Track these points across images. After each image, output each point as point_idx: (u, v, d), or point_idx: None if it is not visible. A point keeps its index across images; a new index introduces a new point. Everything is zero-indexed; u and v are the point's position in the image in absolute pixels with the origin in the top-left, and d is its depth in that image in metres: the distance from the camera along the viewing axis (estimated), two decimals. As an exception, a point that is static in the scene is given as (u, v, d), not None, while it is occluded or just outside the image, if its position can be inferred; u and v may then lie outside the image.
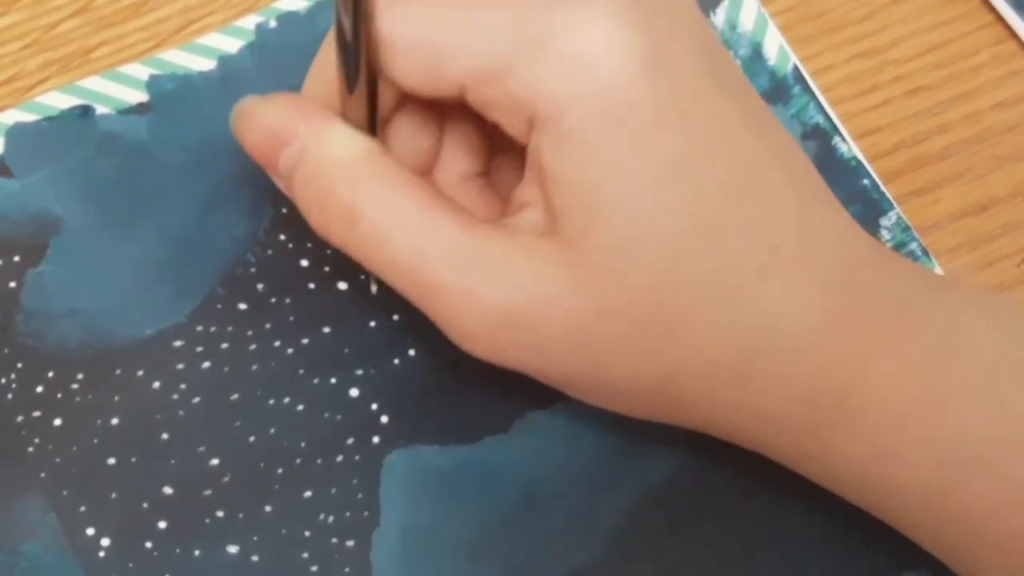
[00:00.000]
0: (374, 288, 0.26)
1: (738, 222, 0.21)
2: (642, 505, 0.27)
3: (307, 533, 0.26)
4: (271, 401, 0.27)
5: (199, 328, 0.27)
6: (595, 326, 0.21)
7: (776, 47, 0.31)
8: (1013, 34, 0.32)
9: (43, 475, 0.26)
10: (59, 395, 0.27)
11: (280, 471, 0.27)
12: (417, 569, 0.26)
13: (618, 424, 0.27)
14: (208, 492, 0.26)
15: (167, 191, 0.28)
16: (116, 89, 0.29)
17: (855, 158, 0.30)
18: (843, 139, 0.30)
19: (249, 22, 0.30)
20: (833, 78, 0.31)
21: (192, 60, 0.30)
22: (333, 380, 0.27)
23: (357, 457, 0.27)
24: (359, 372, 0.27)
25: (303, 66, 0.28)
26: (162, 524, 0.26)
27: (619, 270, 0.21)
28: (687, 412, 0.23)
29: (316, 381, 0.27)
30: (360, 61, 0.23)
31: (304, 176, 0.23)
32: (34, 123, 0.29)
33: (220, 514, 0.26)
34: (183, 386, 0.27)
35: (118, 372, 0.27)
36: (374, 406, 0.27)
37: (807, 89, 0.31)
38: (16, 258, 0.28)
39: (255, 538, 0.26)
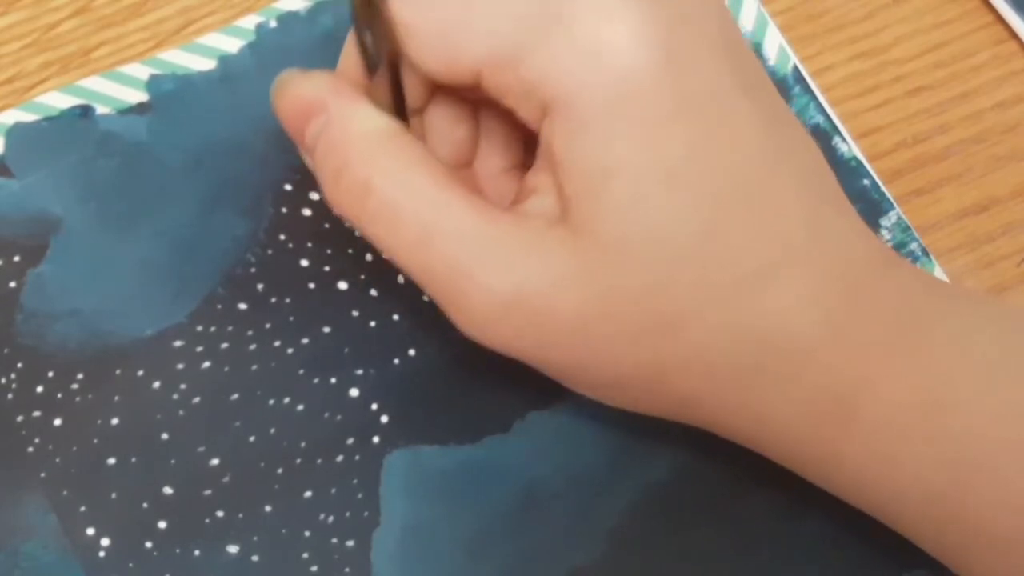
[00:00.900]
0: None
1: (746, 223, 0.21)
2: (642, 505, 0.27)
3: (307, 533, 0.26)
4: (271, 401, 0.27)
5: (199, 328, 0.27)
6: (598, 318, 0.21)
7: (776, 47, 0.31)
8: (1013, 34, 0.32)
9: (43, 475, 0.26)
10: (59, 395, 0.27)
11: (280, 471, 0.27)
12: (417, 569, 0.26)
13: (618, 424, 0.27)
14: (208, 492, 0.26)
15: (167, 191, 0.28)
16: (116, 89, 0.29)
17: (855, 158, 0.30)
18: (843, 139, 0.30)
19: (249, 22, 0.30)
20: (833, 78, 0.31)
21: (192, 60, 0.30)
22: (333, 380, 0.27)
23: (357, 457, 0.27)
24: (359, 372, 0.27)
25: (303, 66, 0.28)
26: (162, 524, 0.26)
27: (624, 264, 0.21)
28: (688, 409, 0.23)
29: (316, 381, 0.27)
30: (377, 45, 0.23)
31: (324, 147, 0.23)
32: (34, 123, 0.29)
33: (220, 514, 0.26)
34: (183, 386, 0.27)
35: (118, 372, 0.27)
36: (374, 406, 0.27)
37: (807, 89, 0.31)
38: (16, 258, 0.28)
39: (255, 538, 0.26)
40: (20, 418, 0.26)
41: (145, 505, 0.26)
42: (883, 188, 0.30)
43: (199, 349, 0.27)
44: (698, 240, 0.21)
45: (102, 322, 0.27)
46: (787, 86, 0.30)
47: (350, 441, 0.27)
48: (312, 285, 0.28)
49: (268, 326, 0.28)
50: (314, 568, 0.26)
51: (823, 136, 0.30)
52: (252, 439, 0.27)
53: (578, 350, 0.22)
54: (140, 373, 0.27)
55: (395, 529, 0.26)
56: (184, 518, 0.26)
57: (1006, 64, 0.32)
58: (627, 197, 0.21)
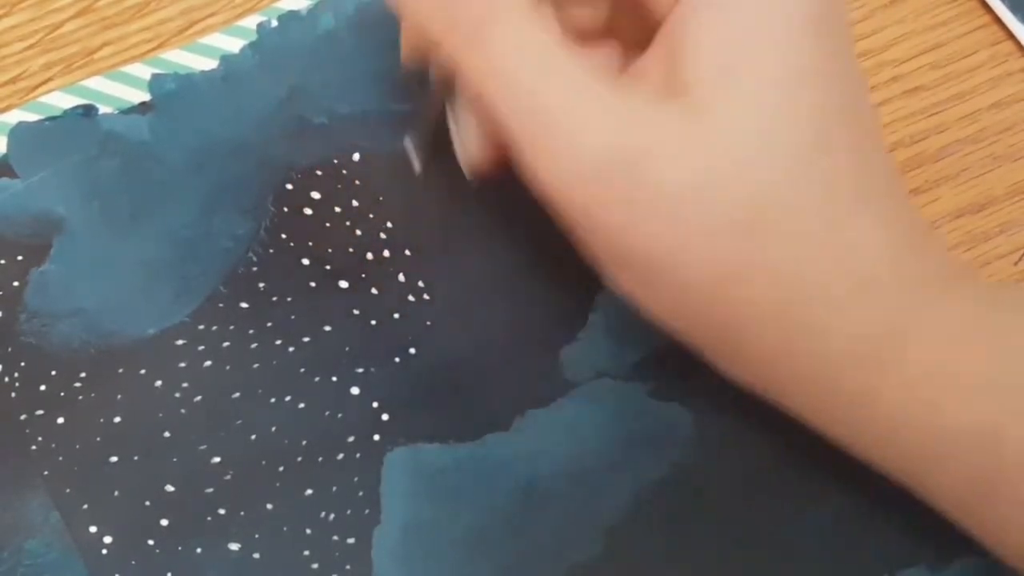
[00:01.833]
0: (417, 167, 0.26)
1: (848, 145, 0.22)
2: (641, 504, 0.27)
3: (308, 531, 0.26)
4: (272, 399, 0.27)
5: (201, 327, 0.28)
6: (693, 197, 0.21)
7: (774, 47, 0.31)
8: (1010, 35, 0.32)
9: (46, 473, 0.26)
10: (62, 393, 0.27)
11: (281, 469, 0.27)
12: (417, 566, 0.26)
13: (618, 422, 0.27)
14: (210, 490, 0.26)
15: (169, 190, 0.28)
16: (118, 89, 0.29)
17: (853, 158, 0.30)
18: (841, 139, 0.30)
19: (251, 22, 0.30)
20: (831, 78, 0.31)
21: (194, 60, 0.30)
22: (334, 378, 0.27)
23: (358, 455, 0.27)
24: (360, 370, 0.28)
25: (304, 66, 0.29)
26: (164, 522, 0.26)
27: (736, 152, 0.21)
28: (733, 335, 0.23)
29: (317, 379, 0.27)
30: None
31: None
32: (37, 123, 0.29)
33: (222, 512, 0.26)
34: (185, 384, 0.27)
35: (120, 371, 0.27)
36: (375, 404, 0.27)
37: (805, 89, 0.31)
38: (19, 257, 0.28)
39: (256, 535, 0.26)
40: (23, 416, 0.27)
41: (147, 503, 0.26)
42: (881, 187, 0.30)
43: (201, 348, 0.27)
44: (807, 152, 0.21)
45: (105, 321, 0.27)
46: (785, 86, 0.31)
47: (351, 439, 0.27)
48: (313, 284, 0.28)
49: (269, 325, 0.28)
50: (315, 565, 0.26)
51: (821, 136, 0.30)
52: (253, 437, 0.27)
53: (657, 226, 0.21)
54: (142, 372, 0.27)
55: (396, 527, 0.26)
56: (186, 516, 0.26)
57: (1002, 64, 0.32)
58: (755, 89, 0.21)
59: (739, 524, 0.27)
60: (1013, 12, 0.32)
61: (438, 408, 0.27)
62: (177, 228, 0.28)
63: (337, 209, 0.29)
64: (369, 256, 0.28)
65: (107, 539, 0.26)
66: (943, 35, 0.32)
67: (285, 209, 0.29)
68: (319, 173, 0.29)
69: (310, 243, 0.28)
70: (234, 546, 0.26)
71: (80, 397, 0.27)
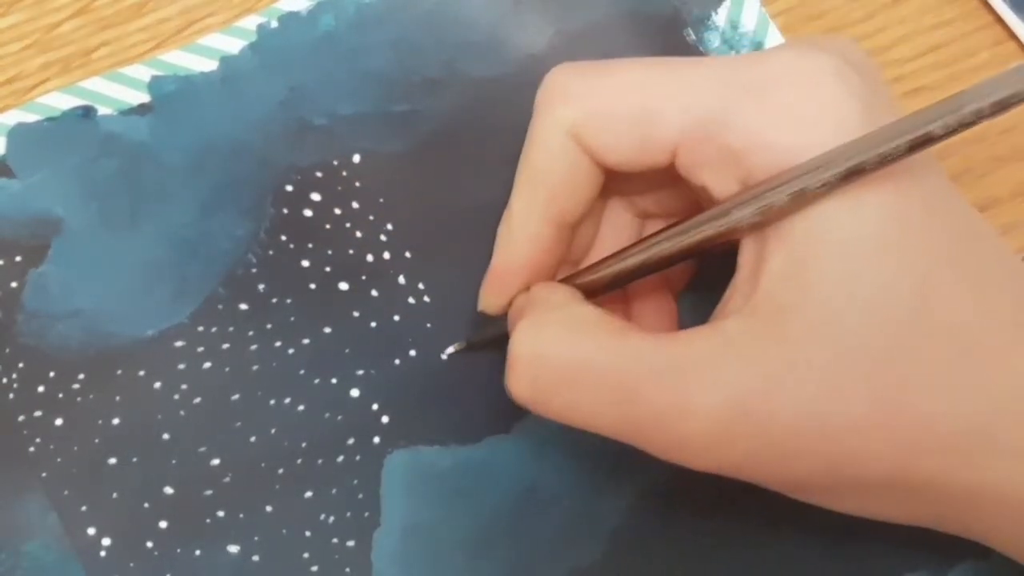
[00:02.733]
0: (447, 352, 0.27)
1: (964, 285, 0.21)
2: (642, 505, 0.27)
3: (308, 533, 0.26)
4: (272, 401, 0.27)
5: (200, 328, 0.27)
6: (826, 404, 0.20)
7: (776, 48, 0.31)
8: (1012, 35, 0.32)
9: (44, 475, 0.26)
10: (60, 395, 0.27)
11: (281, 471, 0.27)
12: (418, 569, 0.26)
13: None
14: (209, 492, 0.26)
15: (168, 192, 0.28)
16: (118, 90, 0.29)
17: (855, 159, 0.30)
18: (843, 140, 0.30)
19: (250, 23, 0.30)
20: (833, 79, 0.31)
21: (193, 61, 0.30)
22: (334, 380, 0.27)
23: (358, 457, 0.27)
24: (360, 372, 0.27)
25: (304, 66, 0.29)
26: (163, 524, 0.26)
27: (844, 344, 0.20)
28: (915, 499, 0.21)
29: (317, 381, 0.27)
30: None
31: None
32: (36, 124, 0.29)
33: (221, 514, 0.26)
34: (184, 386, 0.27)
35: (119, 372, 0.27)
36: (375, 406, 0.27)
37: (807, 90, 0.31)
38: (18, 258, 0.28)
39: (256, 538, 0.26)
40: (21, 418, 0.27)
41: (146, 505, 0.26)
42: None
43: (200, 349, 0.27)
44: (918, 303, 0.20)
45: (103, 322, 0.27)
46: (787, 87, 0.31)
47: (351, 441, 0.27)
48: (313, 285, 0.28)
49: (269, 326, 0.28)
50: (315, 568, 0.26)
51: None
52: (253, 439, 0.27)
53: (811, 447, 0.21)
54: (141, 373, 0.27)
55: (396, 529, 0.26)
56: (185, 518, 0.26)
57: (1005, 65, 0.32)
58: (837, 268, 0.20)
59: (741, 528, 0.27)
60: (1016, 12, 0.32)
61: (438, 410, 0.27)
62: (176, 229, 0.28)
63: (337, 211, 0.29)
64: (369, 258, 0.28)
65: (106, 541, 0.26)
66: (945, 35, 0.32)
67: (285, 210, 0.28)
68: (319, 174, 0.29)
69: (310, 244, 0.28)
70: (233, 548, 0.26)
71: (79, 398, 0.27)
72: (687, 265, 0.27)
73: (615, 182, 0.25)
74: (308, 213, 0.29)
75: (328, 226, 0.28)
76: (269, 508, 0.26)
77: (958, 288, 0.21)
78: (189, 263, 0.28)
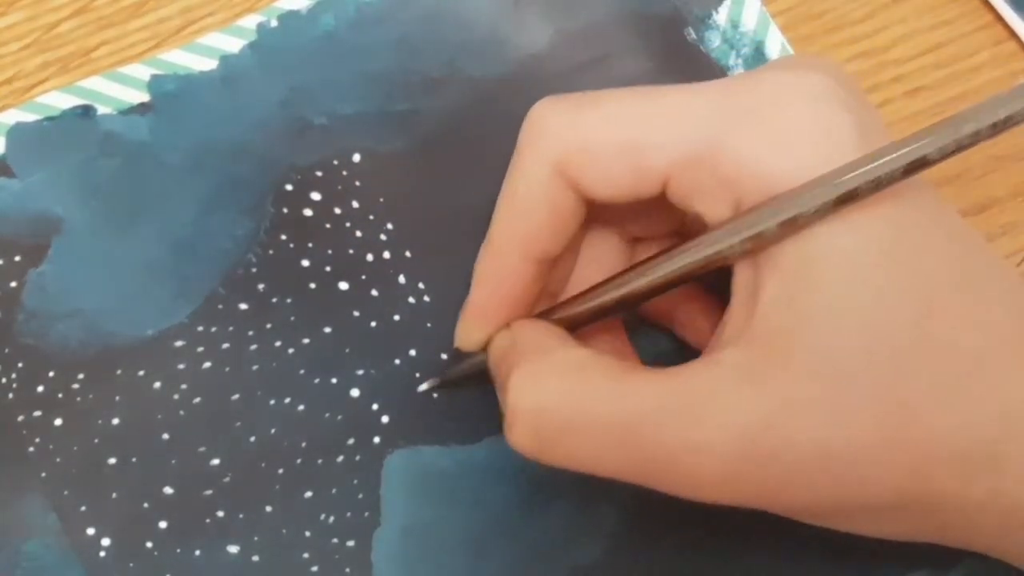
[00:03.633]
0: (423, 387, 0.27)
1: (964, 302, 0.20)
2: (642, 505, 0.27)
3: (308, 533, 0.26)
4: (272, 401, 0.27)
5: (200, 328, 0.27)
6: (832, 431, 0.20)
7: (778, 46, 0.31)
8: (1013, 34, 0.32)
9: (44, 475, 0.26)
10: (60, 395, 0.27)
11: (281, 471, 0.27)
12: (418, 569, 0.26)
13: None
14: (209, 492, 0.26)
15: (168, 191, 0.28)
16: (117, 89, 0.29)
17: (855, 158, 0.30)
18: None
19: (250, 22, 0.30)
20: (833, 78, 0.31)
21: (193, 60, 0.30)
22: (334, 380, 0.27)
23: (358, 457, 0.27)
24: (360, 372, 0.27)
25: (304, 66, 0.29)
26: (163, 524, 0.26)
27: (846, 369, 0.20)
28: (929, 519, 0.21)
29: (317, 381, 0.27)
30: None
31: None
32: (35, 123, 0.29)
33: (221, 514, 0.26)
34: (184, 386, 0.27)
35: (119, 372, 0.27)
36: (375, 406, 0.27)
37: (807, 89, 0.31)
38: (17, 258, 0.28)
39: (256, 538, 0.26)
40: (21, 418, 0.26)
41: (146, 505, 0.26)
42: (883, 188, 0.30)
43: (200, 349, 0.27)
44: (924, 324, 0.20)
45: (103, 322, 0.27)
46: (787, 86, 0.30)
47: (351, 441, 0.27)
48: (313, 285, 0.28)
49: (269, 326, 0.28)
50: (315, 568, 0.26)
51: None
52: (253, 439, 0.27)
53: (820, 474, 0.20)
54: (141, 373, 0.27)
55: (396, 529, 0.26)
56: (185, 518, 0.26)
57: (1005, 64, 0.32)
58: (834, 292, 0.20)
59: (742, 527, 0.27)
60: (1016, 12, 0.32)
61: (438, 410, 0.27)
62: (176, 229, 0.28)
63: (337, 210, 0.29)
64: (369, 257, 0.28)
65: (105, 541, 0.26)
66: (946, 35, 0.32)
67: (285, 210, 0.28)
68: (319, 174, 0.29)
69: (310, 244, 0.28)
70: (233, 548, 0.26)
71: (78, 398, 0.27)
72: None
73: (600, 210, 0.24)
74: (308, 212, 0.29)
75: (328, 225, 0.28)
76: (269, 508, 0.26)
77: (958, 305, 0.20)
78: (189, 263, 0.28)
